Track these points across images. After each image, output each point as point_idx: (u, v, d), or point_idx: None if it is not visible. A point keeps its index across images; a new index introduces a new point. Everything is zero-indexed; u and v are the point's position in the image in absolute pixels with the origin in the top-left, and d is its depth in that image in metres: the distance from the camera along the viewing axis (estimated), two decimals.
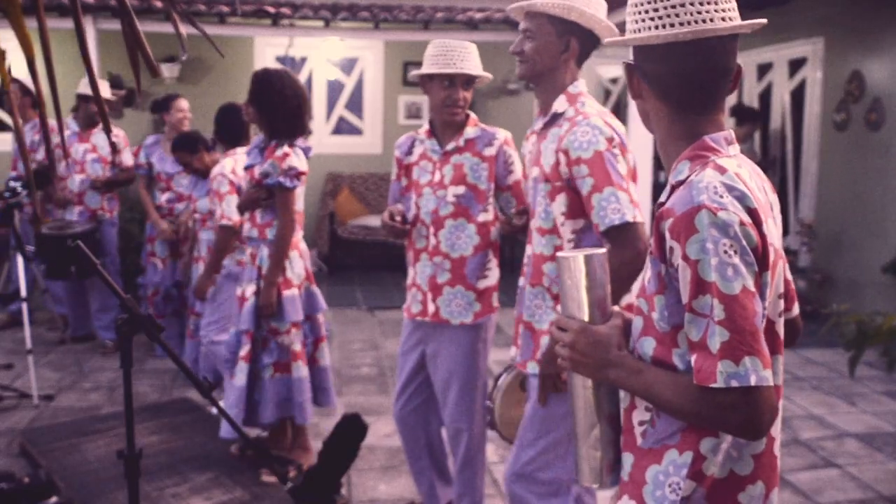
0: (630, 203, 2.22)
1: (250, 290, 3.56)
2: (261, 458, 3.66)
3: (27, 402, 4.63)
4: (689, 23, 1.38)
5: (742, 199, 1.33)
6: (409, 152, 3.12)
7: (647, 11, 1.41)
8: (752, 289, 1.29)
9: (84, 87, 5.58)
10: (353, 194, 8.79)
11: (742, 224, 1.30)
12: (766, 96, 8.11)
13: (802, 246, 7.01)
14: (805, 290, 6.91)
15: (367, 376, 5.35)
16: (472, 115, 3.06)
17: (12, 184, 4.87)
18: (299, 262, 3.64)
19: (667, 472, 1.41)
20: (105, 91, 5.70)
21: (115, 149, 5.65)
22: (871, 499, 3.68)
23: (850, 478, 3.89)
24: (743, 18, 1.47)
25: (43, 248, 5.17)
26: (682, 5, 1.38)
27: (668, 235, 1.34)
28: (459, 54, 2.90)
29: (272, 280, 3.49)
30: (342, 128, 9.15)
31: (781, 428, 1.52)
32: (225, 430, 3.67)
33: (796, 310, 1.56)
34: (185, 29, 1.43)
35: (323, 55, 8.82)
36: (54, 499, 3.40)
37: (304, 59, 8.81)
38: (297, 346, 3.61)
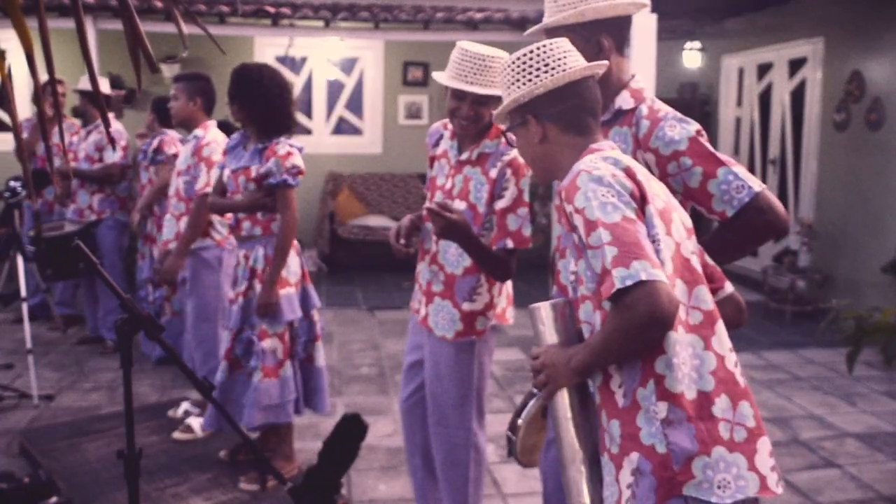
0: (748, 174, 2.05)
1: (241, 290, 3.54)
2: (255, 462, 3.65)
3: (27, 402, 4.63)
4: (572, 66, 1.74)
5: (616, 163, 1.63)
6: (437, 144, 3.02)
7: (538, 67, 1.74)
8: (633, 216, 1.54)
9: (83, 84, 5.57)
10: (353, 194, 8.79)
11: (614, 175, 1.59)
12: (766, 96, 8.11)
13: (802, 246, 7.00)
14: (805, 290, 6.91)
15: (367, 376, 5.35)
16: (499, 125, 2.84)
17: (12, 184, 4.87)
18: (295, 259, 3.61)
19: (647, 409, 1.56)
20: (104, 87, 5.68)
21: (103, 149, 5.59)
22: (871, 499, 3.68)
23: (850, 478, 3.89)
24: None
25: (43, 252, 5.12)
26: (564, 57, 1.75)
27: (564, 204, 1.63)
28: (474, 67, 2.66)
29: (274, 279, 3.47)
30: (342, 128, 9.15)
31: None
32: (207, 422, 3.66)
33: (729, 287, 1.81)
34: (186, 28, 1.45)
35: (323, 55, 8.82)
36: (54, 499, 3.39)
37: (304, 59, 8.82)
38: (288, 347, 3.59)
